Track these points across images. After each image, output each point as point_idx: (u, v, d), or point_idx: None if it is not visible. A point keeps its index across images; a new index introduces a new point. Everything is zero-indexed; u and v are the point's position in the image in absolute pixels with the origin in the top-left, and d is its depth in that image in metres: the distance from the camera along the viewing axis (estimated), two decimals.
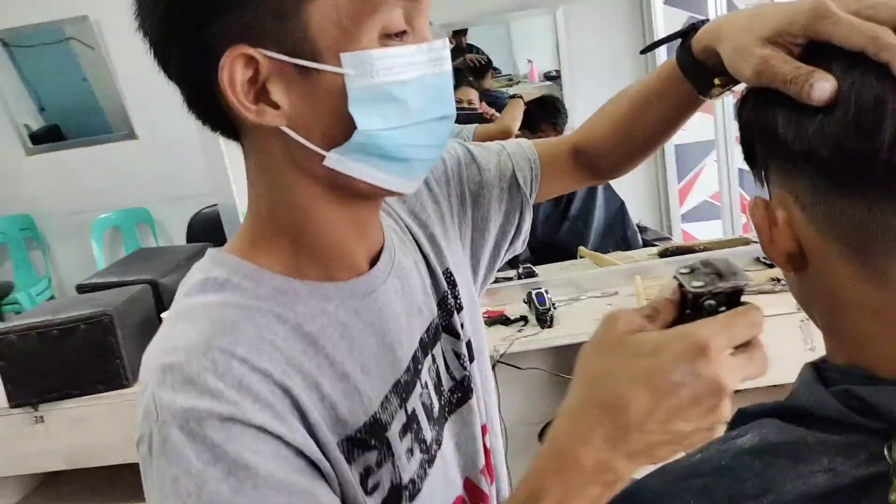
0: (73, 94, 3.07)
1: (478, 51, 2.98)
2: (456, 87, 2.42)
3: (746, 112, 0.46)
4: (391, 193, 0.53)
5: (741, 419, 0.50)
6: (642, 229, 2.40)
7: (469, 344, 0.67)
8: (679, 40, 0.59)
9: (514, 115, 2.16)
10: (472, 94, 2.57)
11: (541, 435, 0.56)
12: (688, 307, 0.43)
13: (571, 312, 1.53)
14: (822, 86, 0.39)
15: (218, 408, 0.44)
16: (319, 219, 0.53)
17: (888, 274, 0.40)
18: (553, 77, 2.91)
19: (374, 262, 0.58)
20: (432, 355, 0.63)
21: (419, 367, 0.60)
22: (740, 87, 0.51)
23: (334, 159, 0.49)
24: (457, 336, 0.66)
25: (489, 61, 2.98)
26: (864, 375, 0.42)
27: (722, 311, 0.41)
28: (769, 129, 0.43)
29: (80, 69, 3.03)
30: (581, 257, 1.92)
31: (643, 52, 0.80)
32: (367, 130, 0.48)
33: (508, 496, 0.47)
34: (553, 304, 1.50)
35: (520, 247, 0.77)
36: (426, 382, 0.61)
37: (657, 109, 0.68)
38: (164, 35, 0.48)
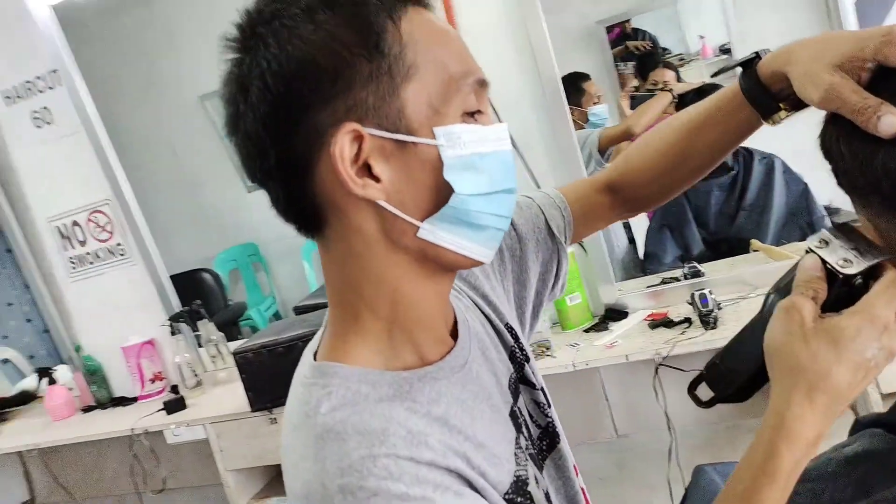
0: None
1: (643, 35, 2.90)
2: (653, 69, 2.36)
3: (824, 139, 0.48)
4: (473, 263, 0.56)
5: (855, 427, 0.55)
6: (832, 211, 2.21)
7: (544, 391, 0.70)
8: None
9: (643, 113, 2.05)
10: (668, 75, 2.32)
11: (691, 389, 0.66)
12: (838, 283, 0.48)
13: (738, 312, 1.50)
14: (890, 120, 0.41)
15: None
16: (410, 294, 0.55)
17: None
18: (727, 50, 2.75)
19: (453, 333, 0.60)
20: (518, 408, 0.65)
21: (518, 419, 0.63)
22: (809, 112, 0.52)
23: (427, 229, 0.52)
24: (532, 385, 0.68)
25: (655, 46, 2.87)
26: None
27: (870, 285, 0.47)
28: (835, 159, 0.46)
29: None
30: (754, 251, 1.85)
31: (714, 75, 0.82)
32: (461, 195, 0.51)
33: (741, 462, 0.52)
34: (718, 305, 1.49)
35: (559, 292, 0.78)
36: (525, 432, 0.63)
37: (712, 136, 0.67)
38: (270, 123, 0.50)
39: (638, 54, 2.81)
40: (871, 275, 0.47)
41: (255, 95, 0.50)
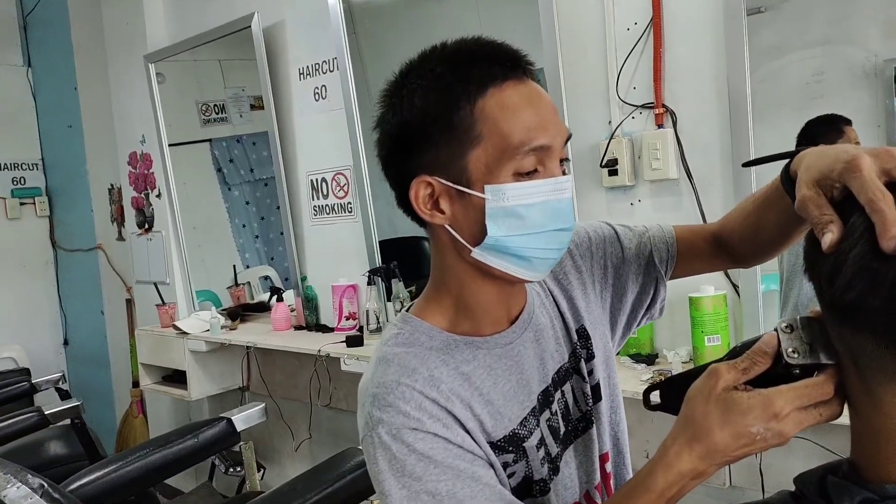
0: None
1: None
2: None
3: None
4: (521, 280, 0.74)
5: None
6: None
7: (596, 387, 0.84)
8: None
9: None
10: None
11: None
12: (779, 364, 0.53)
13: None
14: (827, 237, 0.47)
15: (408, 423, 0.68)
16: (471, 288, 0.75)
17: (874, 391, 0.47)
18: None
19: (514, 319, 0.78)
20: (562, 391, 0.81)
21: (550, 399, 0.80)
22: None
23: (477, 253, 0.71)
24: (584, 378, 0.83)
25: None
26: (849, 473, 0.49)
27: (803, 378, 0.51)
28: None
29: None
30: None
31: (745, 165, 0.84)
32: (495, 236, 0.69)
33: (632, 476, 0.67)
34: None
35: (657, 314, 0.91)
36: (555, 410, 0.80)
37: (772, 216, 0.76)
38: (387, 161, 0.74)
39: None
40: (811, 371, 0.52)
41: (383, 138, 0.74)
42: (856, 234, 0.45)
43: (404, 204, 0.74)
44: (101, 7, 3.40)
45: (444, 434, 0.69)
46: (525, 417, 0.76)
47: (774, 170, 0.70)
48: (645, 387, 0.75)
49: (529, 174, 0.69)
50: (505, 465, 0.74)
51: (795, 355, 0.51)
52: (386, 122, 0.73)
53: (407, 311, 0.79)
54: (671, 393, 0.68)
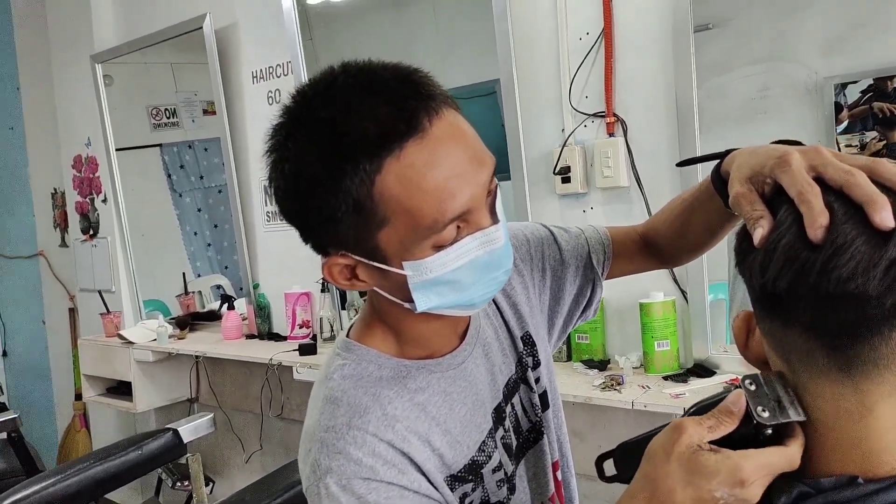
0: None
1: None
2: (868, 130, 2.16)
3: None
4: (465, 314, 0.71)
5: None
6: None
7: (544, 395, 0.82)
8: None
9: None
10: None
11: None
12: (747, 425, 0.50)
13: None
14: (759, 231, 0.47)
15: (360, 472, 0.63)
16: (412, 323, 0.69)
17: (806, 386, 0.48)
18: None
19: (462, 334, 0.74)
20: (511, 404, 0.78)
21: (503, 415, 0.76)
22: None
23: (413, 308, 0.65)
24: (531, 388, 0.81)
25: None
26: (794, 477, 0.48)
27: (770, 441, 0.49)
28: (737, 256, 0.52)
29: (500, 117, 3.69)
30: None
31: (679, 164, 0.86)
32: (426, 307, 0.64)
33: None
34: None
35: (591, 314, 0.90)
36: (508, 426, 0.77)
37: (700, 216, 0.76)
38: (290, 221, 0.66)
39: (881, 117, 2.56)
40: (782, 430, 0.50)
41: (277, 200, 0.64)
42: (784, 226, 0.46)
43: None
44: (46, 5, 3.30)
45: (398, 481, 0.64)
46: (483, 441, 0.73)
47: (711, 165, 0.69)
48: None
49: (454, 241, 0.62)
50: (464, 496, 0.71)
51: (766, 414, 0.49)
52: (275, 184, 0.63)
53: (347, 335, 0.73)
54: (627, 460, 0.64)
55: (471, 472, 0.71)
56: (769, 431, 0.49)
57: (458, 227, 0.61)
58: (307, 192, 0.60)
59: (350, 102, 0.59)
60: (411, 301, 0.65)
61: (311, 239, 0.65)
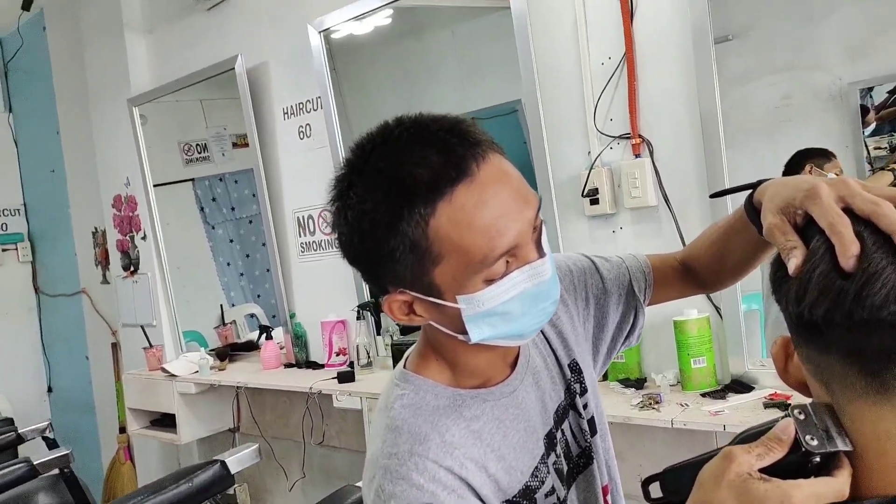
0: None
1: None
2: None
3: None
4: (513, 346, 0.74)
5: None
6: None
7: (592, 421, 0.84)
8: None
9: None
10: None
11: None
12: (795, 453, 0.51)
13: None
14: (793, 261, 0.49)
15: (422, 497, 0.66)
16: (466, 355, 0.73)
17: (845, 409, 0.49)
18: None
19: (513, 363, 0.78)
20: (562, 430, 0.81)
21: (554, 441, 0.79)
22: None
23: (467, 340, 0.69)
24: (579, 414, 0.83)
25: None
26: None
27: (817, 471, 0.50)
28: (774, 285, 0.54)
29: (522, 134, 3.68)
30: None
31: (712, 196, 0.88)
32: (479, 338, 0.68)
33: None
34: None
35: (634, 341, 0.93)
36: (559, 452, 0.79)
37: (737, 243, 0.79)
38: (354, 264, 0.70)
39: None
40: (829, 460, 0.51)
41: (341, 245, 0.70)
42: (818, 255, 0.48)
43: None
44: (84, 52, 3.44)
45: None
46: (536, 467, 0.76)
47: (743, 194, 0.71)
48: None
49: (503, 275, 0.66)
50: None
51: (814, 442, 0.50)
52: (339, 229, 0.69)
53: (404, 366, 0.77)
54: (673, 483, 0.66)
55: (525, 497, 0.73)
56: (817, 460, 0.50)
57: (507, 261, 0.65)
58: (369, 235, 0.65)
59: (404, 152, 0.65)
60: (465, 333, 0.69)
61: (373, 278, 0.70)
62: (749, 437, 0.55)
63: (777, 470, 0.51)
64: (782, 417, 0.53)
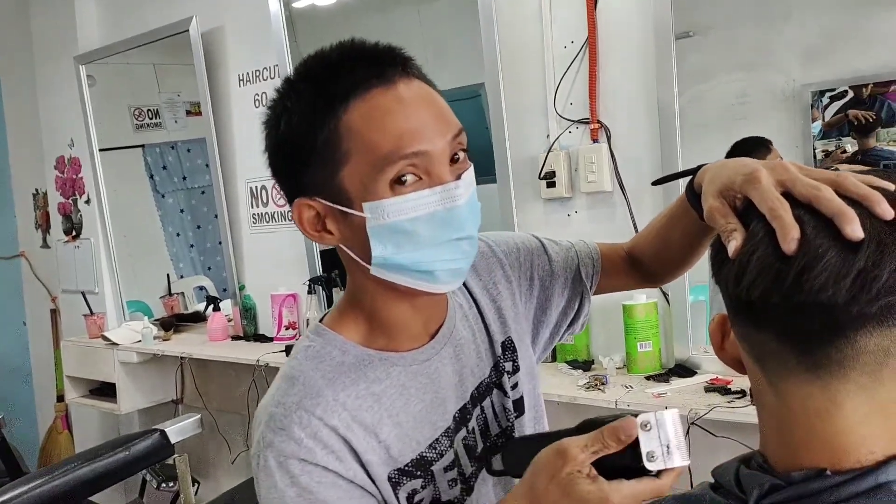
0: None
1: (881, 106, 2.69)
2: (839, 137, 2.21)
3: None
4: (425, 293, 0.70)
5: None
6: None
7: (519, 401, 0.82)
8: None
9: None
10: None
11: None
12: (634, 459, 0.55)
13: None
14: (732, 244, 0.49)
15: (298, 452, 0.65)
16: (382, 302, 0.71)
17: (777, 385, 0.50)
18: None
19: (434, 334, 0.75)
20: (481, 406, 0.79)
21: (468, 416, 0.76)
22: None
23: (375, 270, 0.68)
24: (505, 393, 0.81)
25: (877, 120, 2.65)
26: (761, 463, 0.53)
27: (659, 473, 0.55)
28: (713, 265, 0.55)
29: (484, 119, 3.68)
30: None
31: (654, 183, 0.88)
32: (382, 255, 0.66)
33: None
34: None
35: (578, 329, 0.92)
36: (472, 428, 0.77)
37: (679, 229, 0.79)
38: (276, 180, 0.70)
39: (855, 124, 2.62)
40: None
41: (267, 158, 0.70)
42: (757, 239, 0.49)
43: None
44: (29, 7, 3.27)
45: (334, 467, 0.66)
46: (437, 439, 0.73)
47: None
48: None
49: (412, 184, 0.64)
50: (413, 493, 0.72)
51: (653, 460, 0.55)
52: (267, 135, 0.70)
53: (321, 321, 0.75)
54: (512, 457, 0.69)
55: (419, 468, 0.72)
56: (651, 472, 0.55)
57: (417, 174, 0.64)
58: (289, 136, 0.66)
59: (335, 64, 0.66)
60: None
61: (287, 186, 0.70)
62: (585, 426, 0.59)
63: (617, 467, 0.56)
64: (634, 415, 0.57)
